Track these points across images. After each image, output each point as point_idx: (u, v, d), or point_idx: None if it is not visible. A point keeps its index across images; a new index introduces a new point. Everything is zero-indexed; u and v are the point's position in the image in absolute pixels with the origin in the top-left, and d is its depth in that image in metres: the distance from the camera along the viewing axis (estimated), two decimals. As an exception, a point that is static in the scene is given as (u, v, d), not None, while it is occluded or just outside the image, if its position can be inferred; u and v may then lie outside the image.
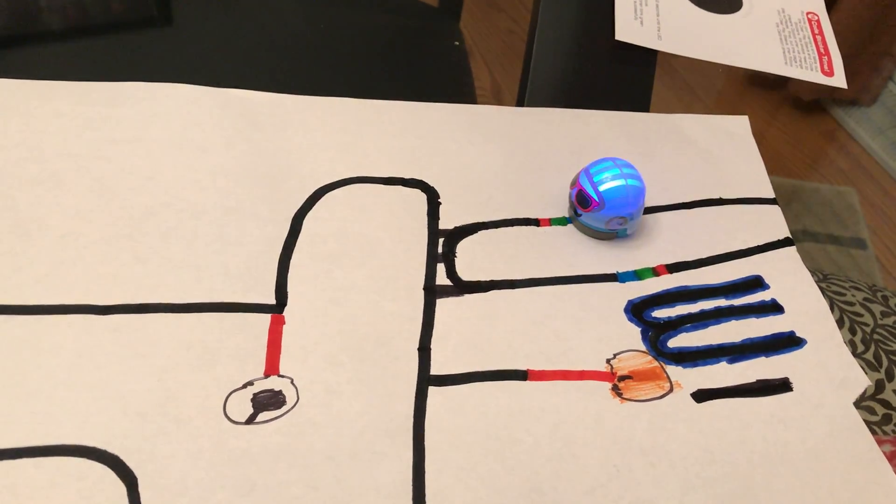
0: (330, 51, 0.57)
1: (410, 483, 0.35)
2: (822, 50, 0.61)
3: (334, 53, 0.57)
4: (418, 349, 0.40)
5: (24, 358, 0.37)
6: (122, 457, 0.34)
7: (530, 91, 0.57)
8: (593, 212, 0.44)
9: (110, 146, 0.45)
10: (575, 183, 0.44)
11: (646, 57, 0.60)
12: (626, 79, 0.61)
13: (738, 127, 0.55)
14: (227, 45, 0.55)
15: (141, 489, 0.34)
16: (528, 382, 0.40)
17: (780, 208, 0.50)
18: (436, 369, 0.39)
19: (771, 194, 0.51)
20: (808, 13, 0.64)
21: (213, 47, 0.54)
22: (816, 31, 0.63)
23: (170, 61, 0.51)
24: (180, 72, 0.49)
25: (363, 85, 0.53)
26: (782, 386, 0.41)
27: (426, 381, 0.39)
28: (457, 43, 0.61)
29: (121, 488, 0.34)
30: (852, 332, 0.57)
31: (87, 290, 0.39)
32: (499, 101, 0.54)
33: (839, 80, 0.59)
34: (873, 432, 0.40)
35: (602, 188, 0.43)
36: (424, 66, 0.59)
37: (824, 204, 0.55)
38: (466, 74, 0.62)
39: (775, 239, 0.48)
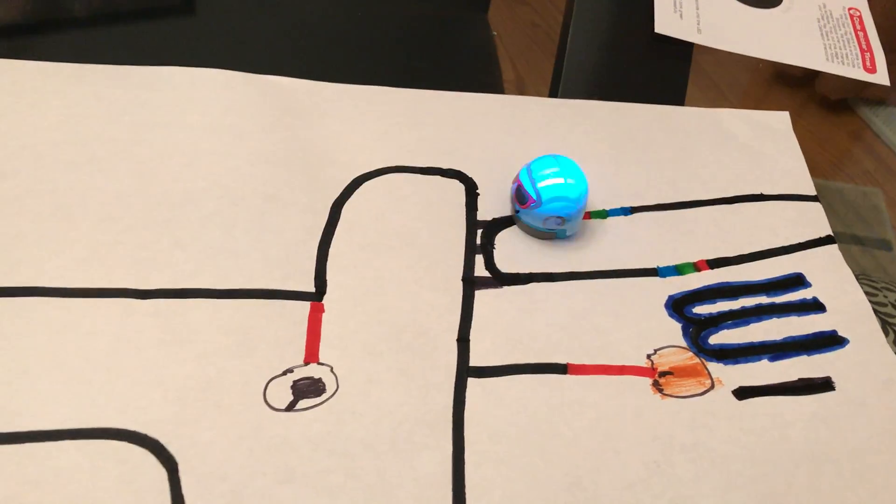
0: (356, 38, 0.57)
1: (450, 474, 0.35)
2: (864, 46, 0.60)
3: (360, 41, 0.56)
4: (457, 340, 0.40)
5: (65, 340, 0.37)
6: (163, 441, 0.34)
7: (564, 83, 0.56)
8: (530, 209, 0.43)
9: (149, 130, 0.45)
10: (516, 179, 0.44)
11: (682, 51, 0.59)
12: (662, 73, 0.60)
13: (779, 122, 0.54)
14: (252, 33, 0.54)
15: (181, 474, 0.34)
16: (567, 376, 0.39)
17: (821, 206, 0.49)
18: (475, 361, 0.39)
19: (812, 191, 0.50)
20: (849, 9, 0.63)
21: (237, 35, 0.54)
22: (858, 27, 0.62)
23: (195, 49, 0.51)
24: (205, 59, 0.49)
25: (391, 73, 0.53)
26: (824, 385, 0.41)
27: (465, 372, 0.39)
28: (495, 33, 0.61)
29: (162, 473, 0.33)
30: (885, 332, 0.57)
31: (126, 274, 0.39)
32: (522, 94, 0.53)
33: (882, 76, 0.58)
34: (917, 434, 0.40)
35: (540, 185, 0.42)
36: (454, 56, 0.59)
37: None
38: (495, 66, 0.62)
39: (817, 237, 0.47)
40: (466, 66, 0.59)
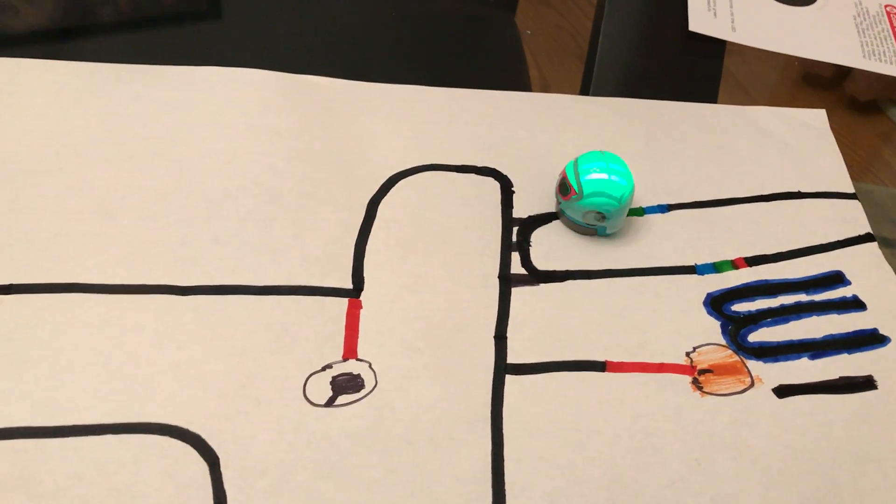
0: (384, 37, 0.57)
1: (489, 470, 0.35)
2: (901, 43, 0.59)
3: (389, 40, 0.57)
4: (494, 337, 0.40)
5: (107, 336, 0.37)
6: (204, 436, 0.34)
7: (595, 81, 0.56)
8: (571, 201, 0.42)
9: (187, 129, 0.45)
10: (562, 171, 0.43)
11: (714, 49, 0.59)
12: (694, 71, 0.60)
13: (816, 120, 0.54)
14: (278, 36, 0.55)
15: (223, 468, 0.34)
16: (606, 374, 0.39)
17: (860, 203, 0.49)
18: (512, 358, 0.39)
19: (850, 189, 0.49)
20: (886, 6, 0.63)
21: (264, 38, 0.54)
22: None
23: (222, 52, 0.51)
24: (233, 62, 0.49)
25: (420, 71, 0.53)
26: (866, 384, 0.40)
27: (503, 369, 0.39)
28: (528, 31, 0.61)
29: (203, 467, 0.34)
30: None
31: (167, 271, 0.39)
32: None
33: (920, 74, 0.58)
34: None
35: (584, 178, 0.42)
36: (483, 55, 0.59)
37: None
38: (523, 65, 0.62)
39: (856, 234, 0.47)
40: (495, 66, 0.59)
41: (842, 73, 0.59)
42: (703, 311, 0.42)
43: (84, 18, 0.53)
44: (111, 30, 0.54)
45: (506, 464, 0.35)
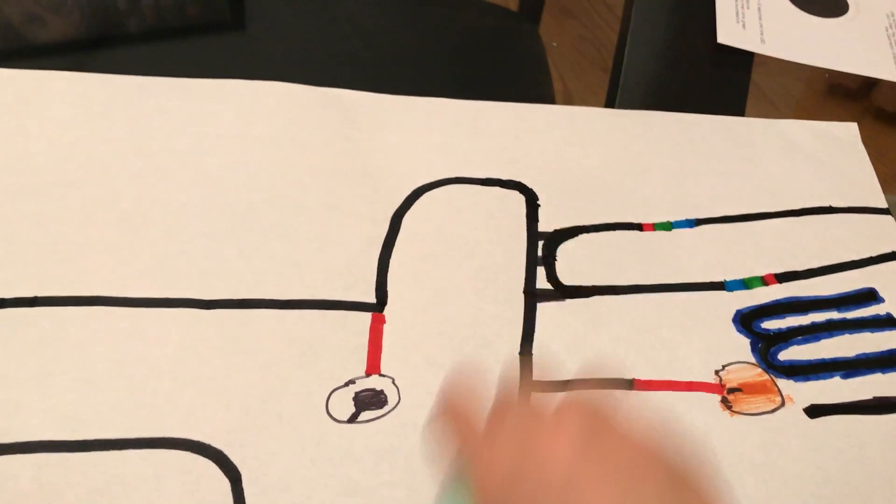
0: (406, 50, 0.57)
1: (514, 490, 0.34)
2: (934, 55, 0.58)
3: (410, 53, 0.56)
4: (520, 354, 0.39)
5: (130, 349, 0.37)
6: (226, 451, 0.34)
7: (621, 94, 0.56)
8: None
9: (212, 142, 0.45)
10: None
11: (742, 61, 0.58)
12: (721, 83, 0.59)
13: (847, 133, 0.53)
14: (301, 46, 0.55)
15: (245, 485, 0.33)
16: (633, 392, 0.38)
17: (893, 219, 0.48)
18: (538, 375, 0.38)
19: (883, 204, 0.48)
20: (918, 17, 0.62)
21: (287, 48, 0.54)
22: (928, 36, 0.60)
23: (247, 63, 0.51)
24: (257, 73, 0.49)
25: (444, 83, 0.53)
26: (901, 404, 0.39)
27: (529, 386, 0.38)
28: (555, 44, 0.60)
29: (225, 483, 0.33)
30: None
31: (190, 284, 0.39)
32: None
33: (953, 86, 0.57)
34: None
35: None
36: (506, 68, 0.58)
37: None
38: (546, 77, 0.61)
39: (889, 251, 0.46)
40: (519, 78, 0.59)
41: (869, 84, 0.58)
42: (733, 328, 0.41)
43: (110, 29, 0.54)
44: (137, 41, 0.55)
45: (531, 483, 0.35)
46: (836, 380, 0.40)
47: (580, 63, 0.60)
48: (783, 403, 0.39)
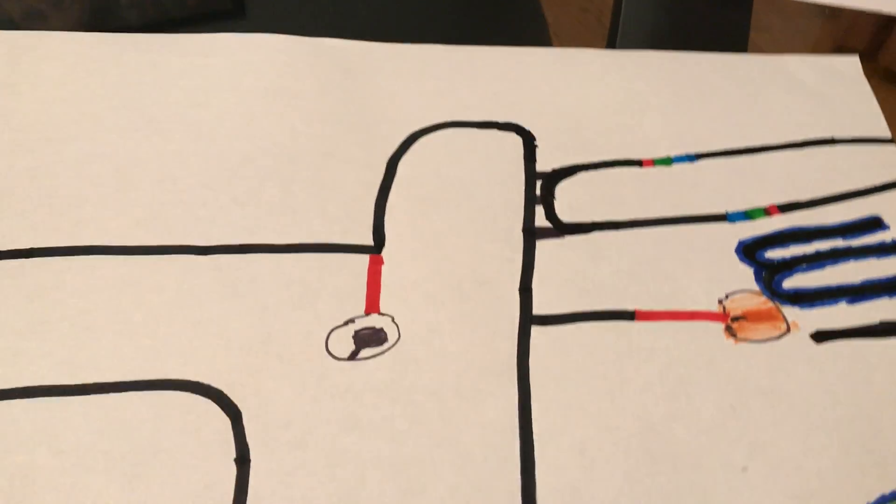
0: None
1: (517, 420, 0.34)
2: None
3: (406, 3, 0.56)
4: (519, 290, 0.39)
5: (129, 296, 0.37)
6: (226, 391, 0.34)
7: (621, 36, 0.55)
8: None
9: (205, 94, 0.45)
10: None
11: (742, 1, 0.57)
12: (722, 23, 0.58)
13: (849, 66, 0.52)
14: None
15: (245, 422, 0.33)
16: (635, 323, 0.38)
17: (898, 148, 0.47)
18: (538, 309, 0.38)
19: (887, 134, 0.48)
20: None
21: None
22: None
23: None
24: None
25: (440, 33, 0.52)
26: (909, 328, 0.39)
27: (529, 321, 0.38)
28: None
29: (225, 421, 0.33)
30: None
31: (187, 232, 0.39)
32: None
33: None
34: None
35: None
36: (501, 15, 0.58)
37: None
38: (541, 21, 0.60)
39: (893, 179, 0.45)
40: (514, 24, 0.58)
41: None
42: (736, 258, 0.41)
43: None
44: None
45: (533, 414, 0.35)
46: (842, 305, 0.39)
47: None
48: (789, 330, 0.38)
